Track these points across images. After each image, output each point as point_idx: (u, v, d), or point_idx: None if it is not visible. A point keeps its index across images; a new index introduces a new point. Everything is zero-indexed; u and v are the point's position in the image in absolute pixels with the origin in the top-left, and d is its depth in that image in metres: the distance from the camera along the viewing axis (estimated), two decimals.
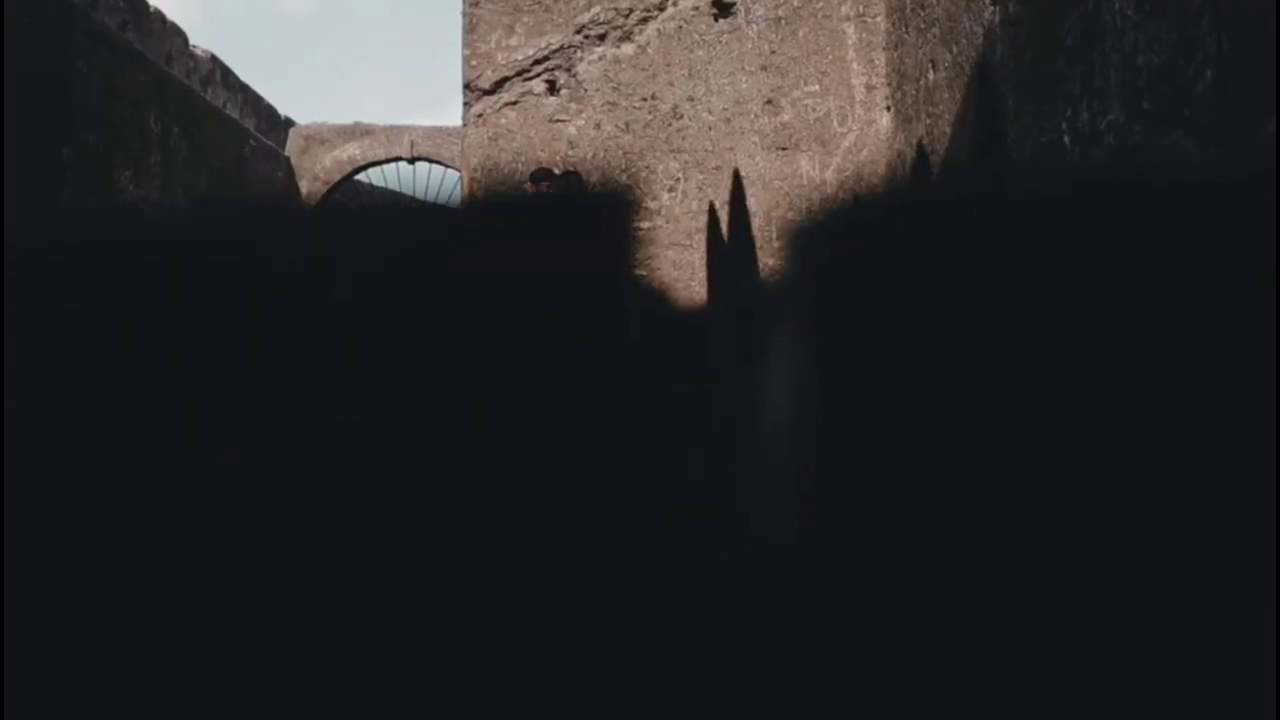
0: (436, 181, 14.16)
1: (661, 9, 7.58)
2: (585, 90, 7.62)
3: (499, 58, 7.76)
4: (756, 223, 7.20)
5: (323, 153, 12.91)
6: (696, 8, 7.52)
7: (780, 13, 7.43)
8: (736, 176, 7.26)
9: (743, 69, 7.50)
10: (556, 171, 7.19)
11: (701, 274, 7.33)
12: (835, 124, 7.32)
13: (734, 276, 7.12)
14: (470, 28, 7.79)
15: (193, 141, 9.12)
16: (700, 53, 7.55)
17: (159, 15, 8.90)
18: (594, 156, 7.35)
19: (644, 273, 7.12)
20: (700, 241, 7.23)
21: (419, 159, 13.48)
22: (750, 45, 7.50)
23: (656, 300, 7.02)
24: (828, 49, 7.44)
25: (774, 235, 7.21)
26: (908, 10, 6.77)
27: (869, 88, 7.34)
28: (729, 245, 7.21)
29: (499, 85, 7.77)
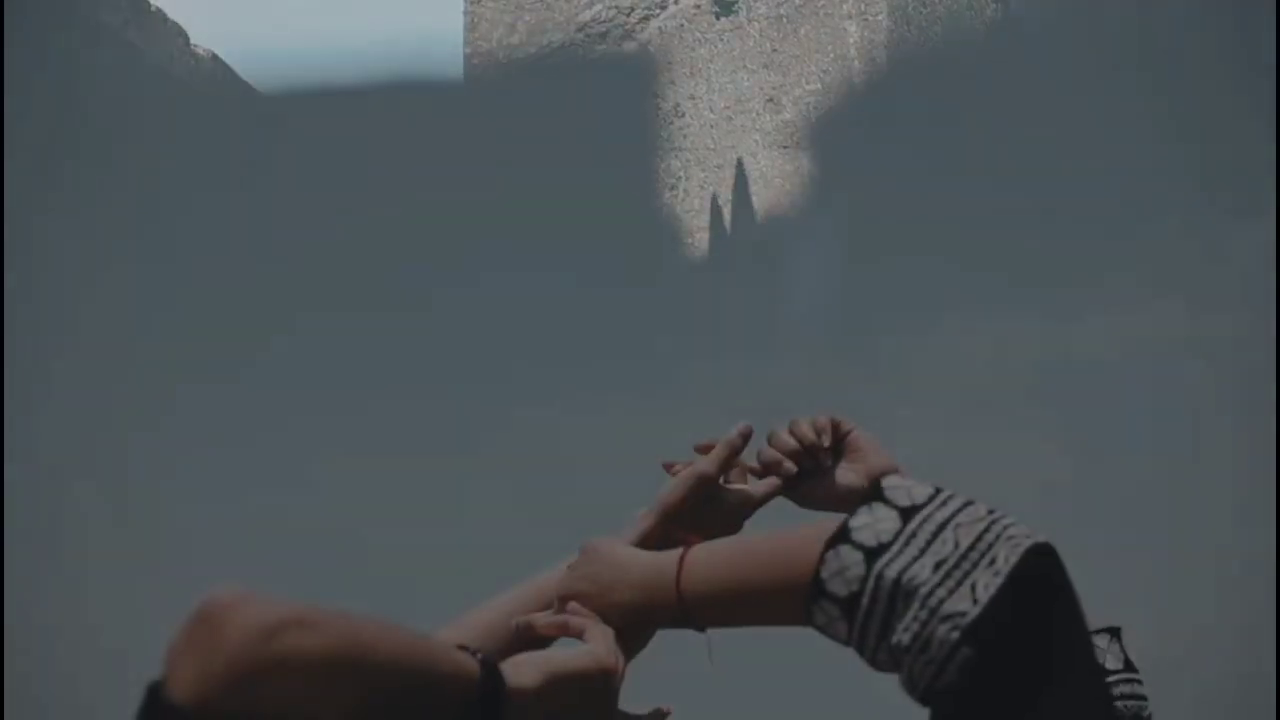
0: None
1: (663, 7, 7.57)
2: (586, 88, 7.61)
3: (500, 56, 7.74)
4: (759, 220, 7.19)
5: None
6: (698, 6, 7.50)
7: (782, 11, 7.41)
8: (739, 174, 7.25)
9: (744, 67, 7.48)
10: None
11: (703, 272, 7.32)
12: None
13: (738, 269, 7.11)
14: (471, 26, 7.78)
15: None
16: (702, 51, 7.53)
17: (160, 14, 8.89)
18: (593, 154, 7.34)
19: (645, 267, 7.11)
20: (703, 240, 7.22)
21: None
22: (752, 43, 7.49)
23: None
24: (829, 47, 7.42)
25: (775, 233, 7.19)
26: (910, 8, 6.75)
27: (871, 86, 7.33)
28: (731, 242, 7.19)
29: None
